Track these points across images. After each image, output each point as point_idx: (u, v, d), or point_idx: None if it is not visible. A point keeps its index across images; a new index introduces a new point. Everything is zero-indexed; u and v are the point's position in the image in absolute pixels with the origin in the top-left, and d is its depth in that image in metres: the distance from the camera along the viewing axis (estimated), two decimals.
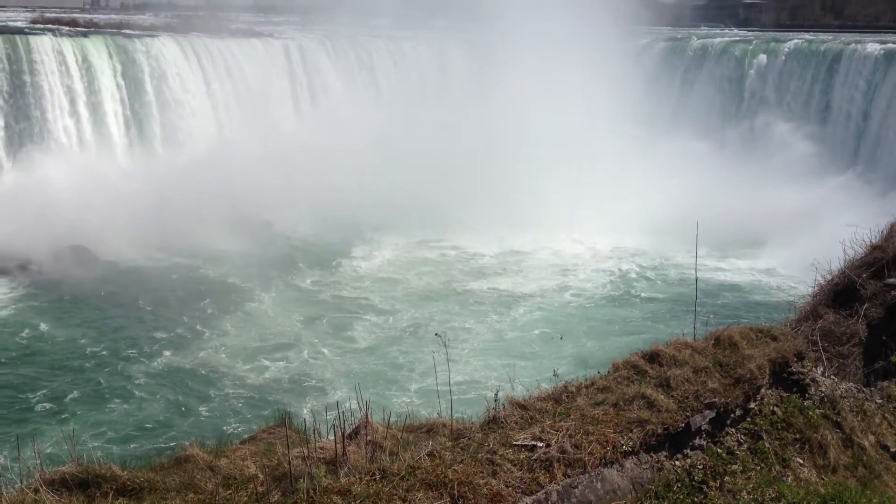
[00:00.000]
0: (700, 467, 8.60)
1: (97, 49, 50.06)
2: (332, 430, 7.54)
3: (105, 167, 47.30)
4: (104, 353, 30.99)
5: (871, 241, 14.74)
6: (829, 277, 14.27)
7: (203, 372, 29.34)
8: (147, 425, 25.46)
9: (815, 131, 58.49)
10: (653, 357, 9.52)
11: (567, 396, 8.79)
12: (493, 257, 44.62)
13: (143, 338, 32.40)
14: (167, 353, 30.99)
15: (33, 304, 35.98)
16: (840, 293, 13.72)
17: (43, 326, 33.41)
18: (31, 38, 47.94)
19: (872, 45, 57.85)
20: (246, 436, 10.91)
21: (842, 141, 57.11)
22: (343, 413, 7.60)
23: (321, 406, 22.29)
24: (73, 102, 47.82)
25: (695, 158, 54.87)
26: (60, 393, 27.53)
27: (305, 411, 23.84)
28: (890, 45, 57.53)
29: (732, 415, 9.27)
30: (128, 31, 56.87)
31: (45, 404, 26.67)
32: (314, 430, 7.71)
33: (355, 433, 8.00)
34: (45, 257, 39.32)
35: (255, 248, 43.75)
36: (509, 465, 7.49)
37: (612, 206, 47.71)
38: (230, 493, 7.01)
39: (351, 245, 46.03)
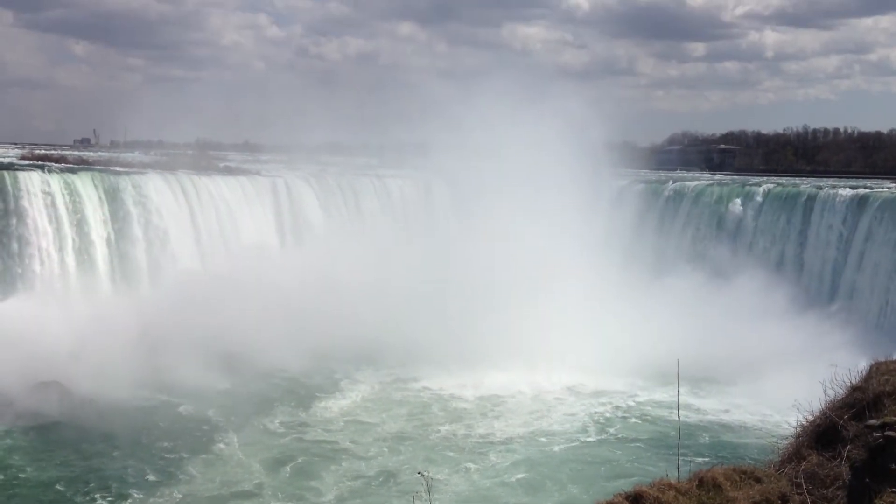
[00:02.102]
0: None
1: (84, 184, 50.60)
2: None
3: (89, 301, 47.11)
4: (70, 496, 30.14)
5: (851, 382, 14.78)
6: (810, 418, 14.23)
7: None
8: None
9: (792, 272, 59.56)
10: (636, 499, 9.38)
11: None
12: (470, 399, 43.53)
13: (109, 481, 31.50)
14: (133, 497, 30.15)
15: (7, 441, 35.19)
16: (822, 434, 13.63)
17: (13, 466, 32.54)
18: (20, 174, 48.49)
19: (845, 190, 59.58)
20: None
21: (819, 282, 58.02)
22: None
23: None
24: (58, 236, 47.95)
25: (672, 297, 55.30)
26: None
27: None
28: (862, 190, 59.26)
29: None
30: (117, 168, 57.70)
31: None
32: None
33: None
34: (21, 394, 38.56)
35: (234, 384, 43.33)
36: None
37: (591, 343, 47.66)
38: None
39: (327, 382, 45.47)
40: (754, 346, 47.87)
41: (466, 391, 44.49)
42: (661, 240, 66.75)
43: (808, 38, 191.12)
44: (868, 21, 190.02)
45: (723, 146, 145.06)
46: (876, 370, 15.11)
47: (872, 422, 13.08)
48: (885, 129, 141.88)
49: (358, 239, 59.85)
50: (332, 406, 42.04)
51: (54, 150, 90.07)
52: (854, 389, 14.43)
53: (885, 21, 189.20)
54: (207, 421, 38.72)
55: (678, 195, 69.37)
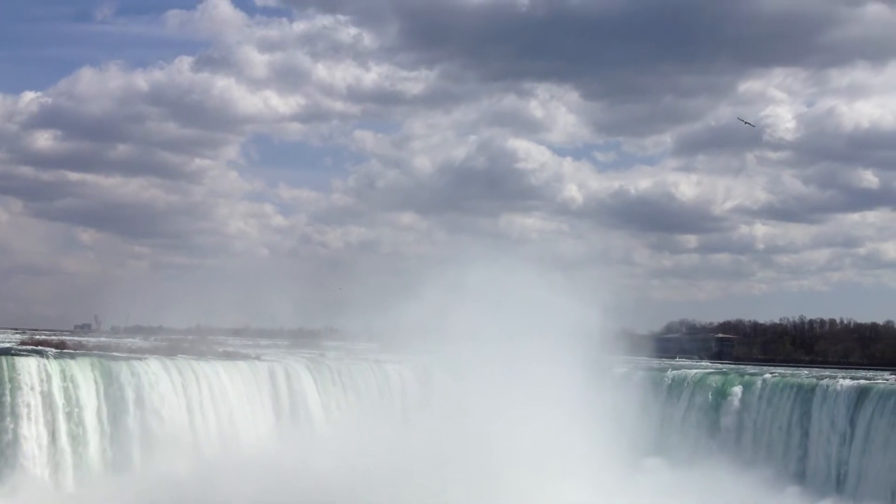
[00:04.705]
0: None
1: (82, 370, 50.46)
2: None
3: (79, 489, 46.05)
4: None
5: None
6: None
7: None
8: None
9: (795, 462, 58.69)
10: None
11: None
12: None
13: None
14: None
15: None
16: None
17: None
18: (17, 360, 48.44)
19: (845, 381, 59.53)
20: None
21: (824, 473, 56.95)
22: None
23: None
24: (52, 423, 47.52)
25: (677, 488, 54.26)
26: None
27: None
28: (862, 381, 59.22)
29: None
30: (115, 353, 57.63)
31: None
32: None
33: None
34: None
35: None
36: None
37: None
38: None
39: None
40: None
41: None
42: (664, 430, 65.92)
43: (797, 232, 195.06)
44: (855, 216, 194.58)
45: (721, 335, 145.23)
46: None
47: None
48: (880, 321, 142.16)
49: (356, 425, 59.11)
50: None
51: (54, 335, 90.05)
52: None
53: (872, 216, 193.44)
54: None
55: (678, 383, 69.01)
